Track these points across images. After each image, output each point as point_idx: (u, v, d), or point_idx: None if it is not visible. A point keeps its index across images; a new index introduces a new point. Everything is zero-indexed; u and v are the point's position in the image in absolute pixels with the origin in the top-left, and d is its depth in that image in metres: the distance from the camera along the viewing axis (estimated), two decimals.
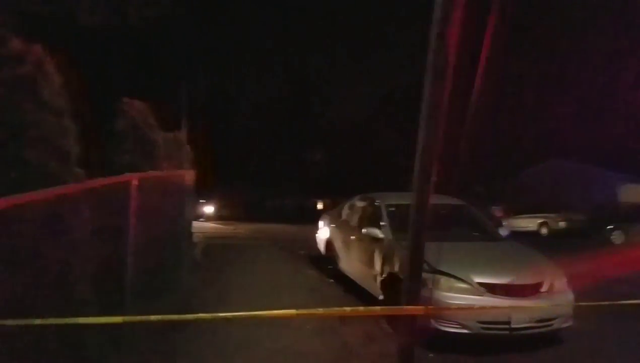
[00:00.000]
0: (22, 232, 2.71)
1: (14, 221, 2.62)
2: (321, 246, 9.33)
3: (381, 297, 5.86)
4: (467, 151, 15.37)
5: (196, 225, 13.21)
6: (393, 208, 6.73)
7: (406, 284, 2.94)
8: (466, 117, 15.12)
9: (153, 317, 2.18)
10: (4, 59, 3.16)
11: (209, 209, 24.87)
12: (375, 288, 6.10)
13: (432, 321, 4.83)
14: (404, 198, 6.55)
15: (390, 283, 5.56)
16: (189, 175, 7.86)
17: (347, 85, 26.89)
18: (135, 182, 4.65)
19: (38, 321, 2.21)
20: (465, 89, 14.57)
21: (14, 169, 3.02)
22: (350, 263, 7.37)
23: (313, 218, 10.52)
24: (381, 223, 6.55)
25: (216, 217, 23.59)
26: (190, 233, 9.37)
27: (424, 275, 3.74)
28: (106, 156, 5.55)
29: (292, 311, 2.21)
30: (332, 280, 7.93)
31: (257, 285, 7.58)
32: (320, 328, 5.50)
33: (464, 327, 4.79)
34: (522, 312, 4.77)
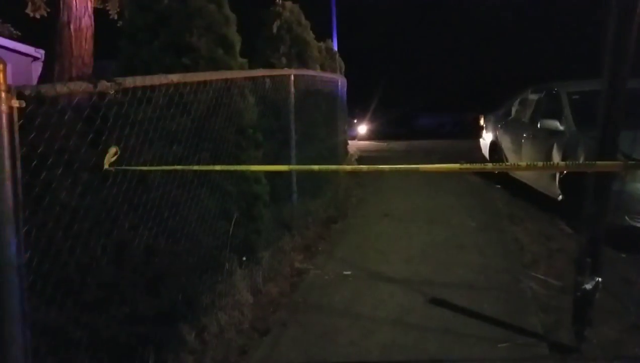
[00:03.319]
0: (198, 105, 2.96)
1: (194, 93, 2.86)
2: (485, 151, 8.56)
3: (560, 197, 5.13)
4: None
5: (350, 143, 13.52)
6: (576, 96, 5.64)
7: (600, 143, 2.38)
8: None
9: (315, 167, 2.18)
10: None
11: (362, 130, 25.15)
12: (552, 188, 5.36)
13: (627, 217, 4.11)
14: (590, 85, 5.44)
15: (572, 180, 4.77)
16: (342, 81, 7.85)
17: None
18: (292, 77, 4.75)
19: (218, 167, 2.44)
20: None
21: (186, 56, 3.28)
22: None
23: (473, 135, 9.57)
24: (562, 114, 5.57)
25: (369, 136, 23.80)
26: (346, 142, 9.59)
27: None
28: (264, 59, 5.78)
29: (455, 165, 1.93)
30: (498, 186, 7.27)
31: (410, 188, 7.42)
32: (485, 226, 5.15)
33: None
34: None
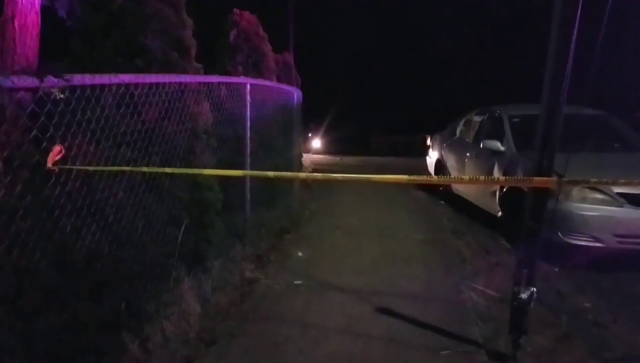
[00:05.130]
0: (150, 107, 2.90)
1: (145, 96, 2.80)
2: (431, 168, 8.93)
3: (500, 214, 5.45)
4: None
5: (305, 156, 13.61)
6: (517, 119, 6.04)
7: (537, 163, 2.58)
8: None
9: (270, 173, 2.20)
10: None
11: (316, 144, 25.40)
12: (492, 205, 5.67)
13: (560, 234, 4.39)
14: (530, 109, 5.86)
15: (511, 198, 5.09)
16: (298, 94, 7.90)
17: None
18: (248, 86, 4.75)
19: (169, 170, 2.38)
20: None
21: (139, 57, 3.20)
22: None
23: (422, 153, 9.96)
24: (503, 135, 5.95)
25: (323, 151, 24.07)
26: (300, 154, 9.65)
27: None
28: (222, 67, 5.74)
29: (404, 176, 2.03)
30: (442, 202, 7.60)
31: (362, 202, 7.61)
32: (431, 240, 5.35)
33: (597, 240, 4.27)
34: None
